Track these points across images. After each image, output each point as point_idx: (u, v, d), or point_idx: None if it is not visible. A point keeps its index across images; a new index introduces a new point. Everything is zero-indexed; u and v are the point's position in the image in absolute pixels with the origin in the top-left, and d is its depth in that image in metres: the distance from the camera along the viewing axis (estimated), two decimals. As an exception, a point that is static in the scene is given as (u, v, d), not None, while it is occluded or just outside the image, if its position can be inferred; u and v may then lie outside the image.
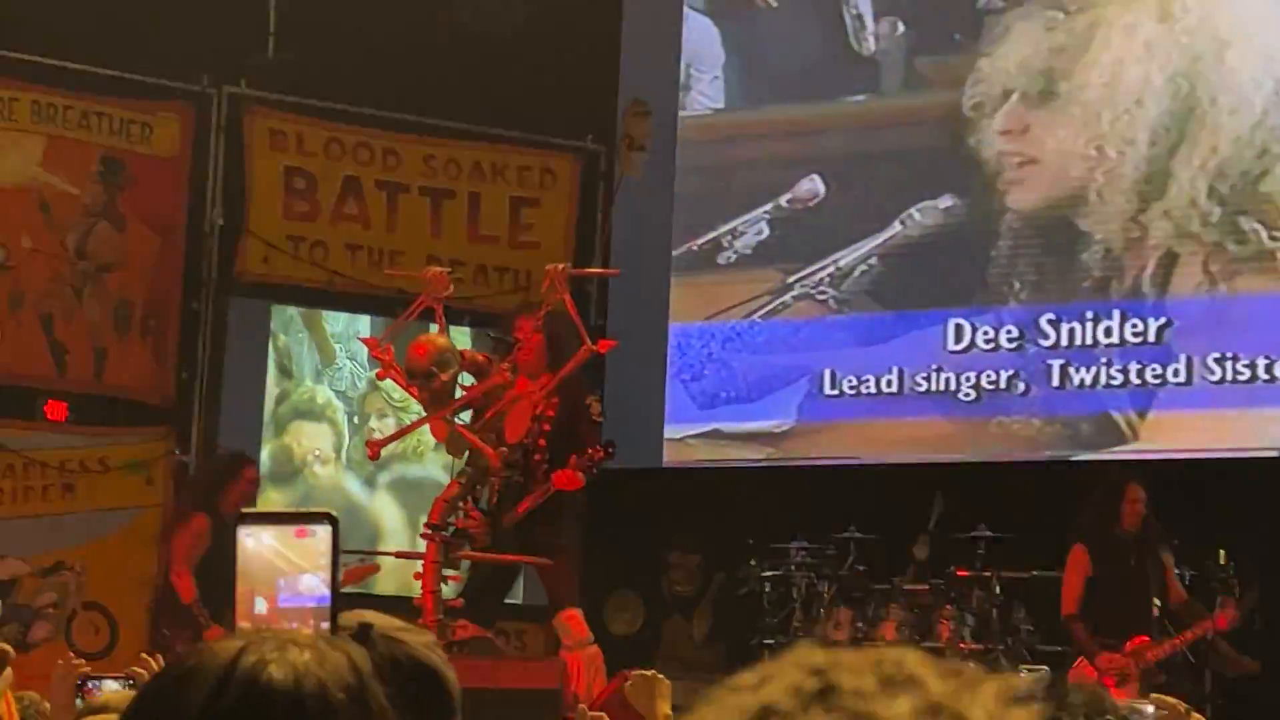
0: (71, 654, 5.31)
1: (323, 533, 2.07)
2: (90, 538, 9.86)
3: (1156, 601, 8.72)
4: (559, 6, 11.08)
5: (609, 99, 10.72)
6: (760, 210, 10.95)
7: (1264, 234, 9.79)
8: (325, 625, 2.03)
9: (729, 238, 10.99)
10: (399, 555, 9.96)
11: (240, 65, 10.43)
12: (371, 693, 1.69)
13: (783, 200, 10.91)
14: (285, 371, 10.60)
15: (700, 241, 11.03)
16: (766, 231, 10.95)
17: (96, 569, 9.84)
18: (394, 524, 10.67)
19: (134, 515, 9.96)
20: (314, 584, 2.06)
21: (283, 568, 2.06)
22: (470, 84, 11.22)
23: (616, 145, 8.70)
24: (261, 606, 2.05)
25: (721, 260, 11.03)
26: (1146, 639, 8.61)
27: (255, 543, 2.07)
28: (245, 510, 2.18)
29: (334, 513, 2.10)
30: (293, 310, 10.65)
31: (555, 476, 7.85)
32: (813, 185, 10.88)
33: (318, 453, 10.65)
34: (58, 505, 9.83)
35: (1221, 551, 9.01)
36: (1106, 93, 10.19)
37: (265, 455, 10.38)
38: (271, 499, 10.09)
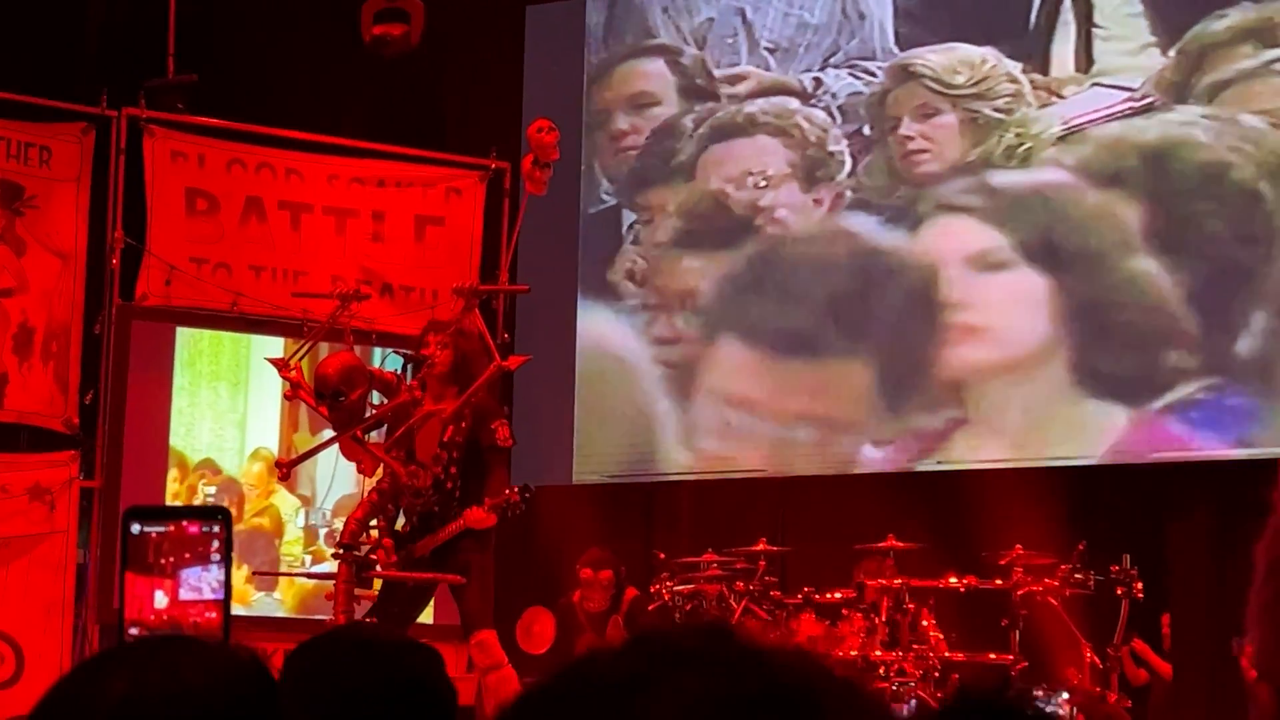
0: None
1: (217, 529, 2.08)
2: (-7, 566, 9.72)
3: None
4: (461, 23, 11.07)
5: (513, 116, 10.71)
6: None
7: None
8: (218, 617, 2.04)
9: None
10: (309, 576, 9.90)
11: (139, 86, 10.33)
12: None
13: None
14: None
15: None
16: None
17: (1, 598, 9.70)
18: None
19: (38, 542, 9.82)
20: (212, 578, 2.06)
21: (183, 562, 2.06)
22: (373, 102, 11.19)
23: (519, 163, 8.69)
24: (162, 600, 2.05)
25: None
26: None
27: (151, 537, 2.06)
28: (135, 505, 2.18)
29: (226, 508, 2.12)
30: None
31: (467, 514, 7.84)
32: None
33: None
34: (-40, 534, 9.68)
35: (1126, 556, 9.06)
36: None
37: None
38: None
